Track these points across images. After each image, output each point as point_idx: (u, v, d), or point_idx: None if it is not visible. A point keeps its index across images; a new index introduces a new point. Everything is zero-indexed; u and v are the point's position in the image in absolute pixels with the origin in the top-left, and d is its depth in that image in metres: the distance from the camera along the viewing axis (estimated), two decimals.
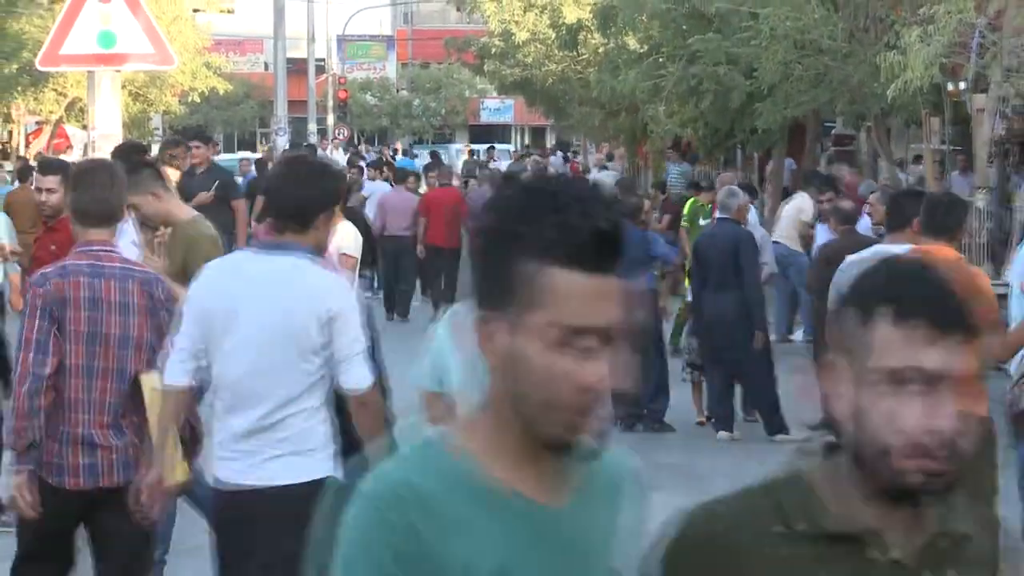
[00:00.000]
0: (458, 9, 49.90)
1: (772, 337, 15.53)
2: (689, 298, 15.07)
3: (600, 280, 2.46)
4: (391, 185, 25.66)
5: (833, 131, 31.43)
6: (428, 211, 23.01)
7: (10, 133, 40.74)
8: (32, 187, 14.14)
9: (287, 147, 35.19)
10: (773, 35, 20.44)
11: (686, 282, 15.70)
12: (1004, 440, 10.11)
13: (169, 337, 6.26)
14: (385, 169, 28.48)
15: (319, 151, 37.80)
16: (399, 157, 49.57)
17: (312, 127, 50.32)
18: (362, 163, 33.02)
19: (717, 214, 15.07)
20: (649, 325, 12.92)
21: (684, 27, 24.62)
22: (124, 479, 6.44)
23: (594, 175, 31.19)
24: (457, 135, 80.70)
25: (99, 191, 6.71)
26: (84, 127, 20.97)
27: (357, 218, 17.06)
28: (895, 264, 2.54)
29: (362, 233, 12.85)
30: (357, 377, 5.83)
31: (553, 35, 38.64)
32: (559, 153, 57.16)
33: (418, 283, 23.84)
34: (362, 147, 58.10)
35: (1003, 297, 9.54)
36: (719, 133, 28.44)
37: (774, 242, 17.72)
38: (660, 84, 24.86)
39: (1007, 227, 21.51)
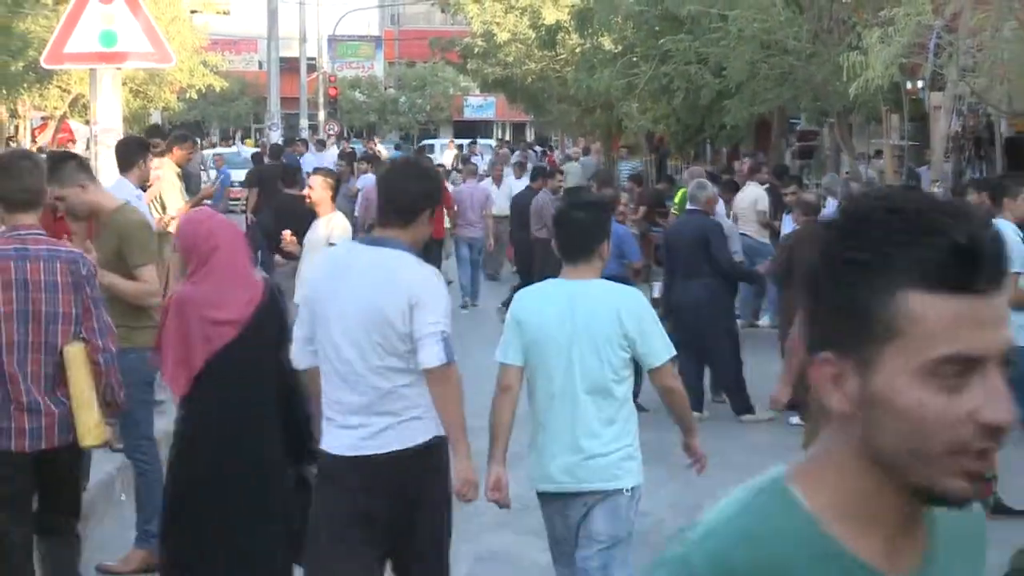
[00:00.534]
0: (442, 11, 49.77)
1: (739, 322, 15.59)
2: (656, 294, 15.10)
3: (987, 301, 1.98)
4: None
5: (798, 127, 31.46)
6: None
7: (16, 128, 40.58)
8: None
9: (280, 141, 35.20)
10: (741, 36, 20.47)
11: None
12: None
13: (96, 311, 6.64)
14: (367, 164, 28.41)
15: (310, 146, 37.78)
16: (377, 149, 49.43)
17: (304, 123, 50.24)
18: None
19: (687, 205, 15.09)
20: None
21: (656, 28, 24.63)
22: (63, 441, 6.62)
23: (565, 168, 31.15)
24: (442, 131, 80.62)
25: (25, 180, 6.80)
26: (87, 122, 20.90)
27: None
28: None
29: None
30: (430, 355, 5.94)
31: (533, 36, 38.62)
32: (537, 148, 57.12)
33: None
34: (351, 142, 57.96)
35: None
36: (690, 129, 28.49)
37: (741, 234, 17.74)
38: (634, 82, 24.88)
39: None
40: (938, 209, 1.99)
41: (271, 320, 6.89)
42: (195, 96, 46.42)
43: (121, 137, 13.71)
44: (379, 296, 5.96)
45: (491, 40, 41.40)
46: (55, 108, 38.91)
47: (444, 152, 52.30)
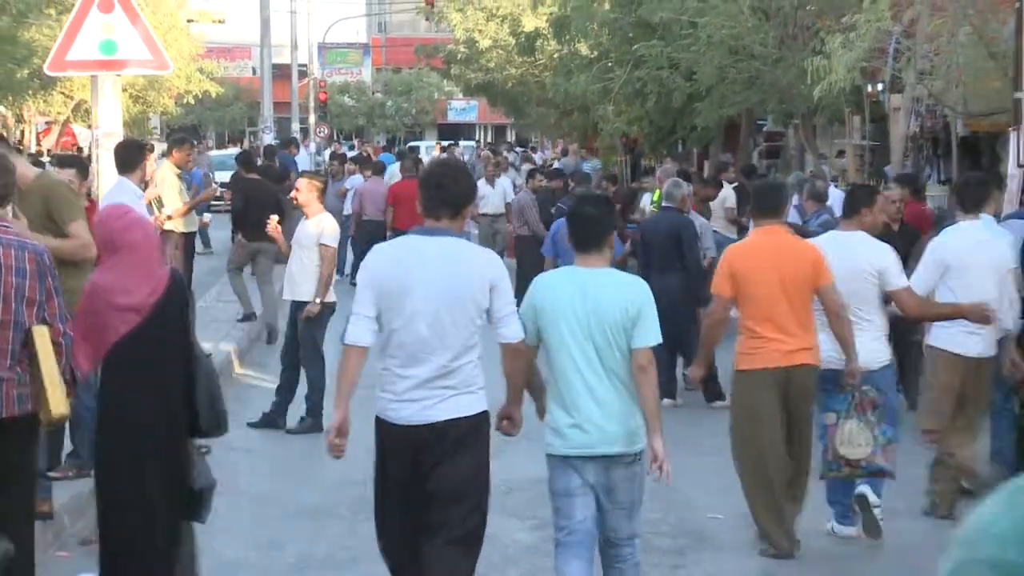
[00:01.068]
0: (427, 19, 49.69)
1: None
2: None
3: None
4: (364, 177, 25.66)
5: (765, 128, 31.48)
6: (396, 200, 23.08)
7: (22, 132, 40.48)
8: None
9: (274, 142, 35.14)
10: (710, 42, 20.46)
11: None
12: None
13: (57, 299, 6.85)
14: (353, 163, 28.42)
15: (302, 148, 37.71)
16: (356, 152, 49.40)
17: (295, 126, 50.20)
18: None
19: (663, 203, 15.12)
20: None
21: (630, 35, 24.61)
22: (21, 411, 6.75)
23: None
24: (427, 133, 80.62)
25: None
26: (89, 126, 20.86)
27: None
28: None
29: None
30: (512, 331, 6.49)
31: (513, 42, 38.59)
32: (518, 149, 57.07)
33: None
34: (341, 145, 57.87)
35: None
36: (662, 130, 28.48)
37: (713, 231, 17.73)
38: (609, 86, 24.86)
39: None
40: None
41: (175, 308, 7.07)
42: (192, 101, 46.30)
43: (121, 140, 13.70)
44: (463, 278, 6.36)
45: (473, 47, 41.39)
46: (59, 113, 38.85)
47: (431, 154, 52.27)
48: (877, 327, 9.19)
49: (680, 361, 14.29)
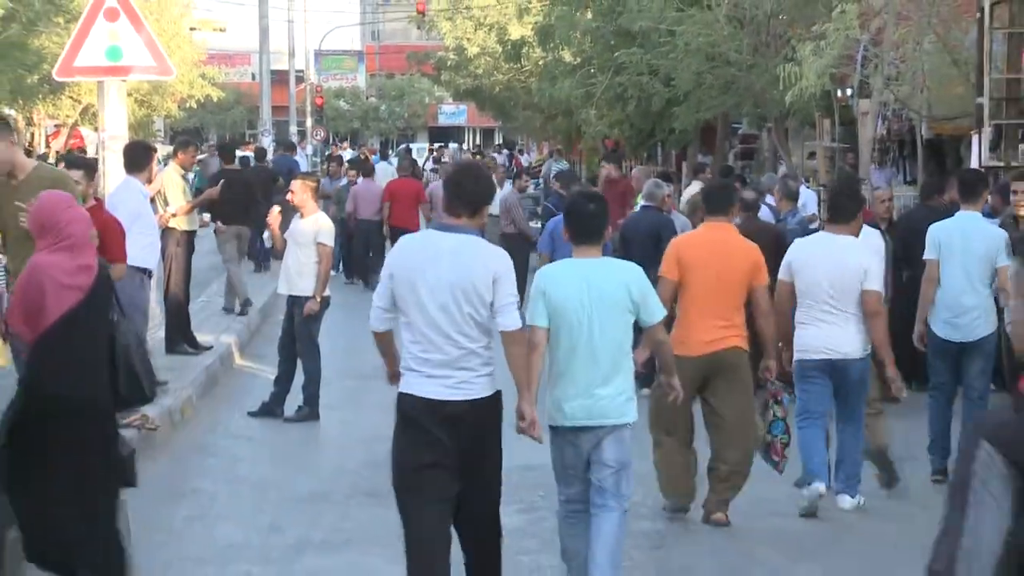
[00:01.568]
0: (419, 28, 49.57)
1: None
2: None
3: None
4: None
5: (740, 131, 31.47)
6: (392, 198, 23.14)
7: (32, 135, 40.37)
8: None
9: (273, 145, 35.11)
10: (688, 49, 20.45)
11: None
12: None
13: None
14: (348, 166, 28.41)
15: (299, 150, 37.65)
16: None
17: (293, 129, 50.11)
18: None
19: (642, 202, 15.12)
20: None
21: (612, 42, 24.59)
22: None
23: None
24: (418, 136, 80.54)
25: None
26: (96, 129, 20.83)
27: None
28: None
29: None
30: (510, 320, 6.70)
31: (500, 50, 38.53)
32: (504, 151, 57.04)
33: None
34: (341, 147, 57.79)
35: None
36: (642, 133, 28.44)
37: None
38: (591, 91, 24.85)
39: None
40: None
41: (105, 290, 7.33)
42: (194, 105, 46.15)
43: (129, 142, 13.70)
44: (470, 271, 6.62)
45: (462, 54, 41.35)
46: (67, 116, 38.75)
47: (422, 155, 52.27)
48: (860, 320, 9.35)
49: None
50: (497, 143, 72.67)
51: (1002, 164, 15.89)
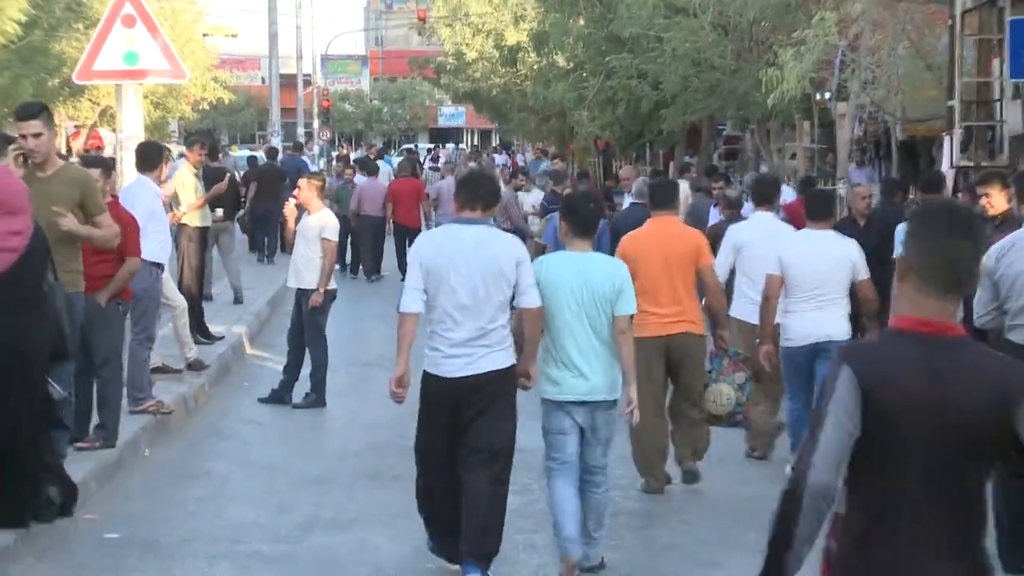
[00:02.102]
0: (420, 34, 49.53)
1: None
2: None
3: None
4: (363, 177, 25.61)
5: (724, 132, 31.49)
6: (395, 197, 23.11)
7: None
8: None
9: (277, 146, 35.10)
10: (675, 55, 20.47)
11: None
12: None
13: None
14: (355, 166, 28.40)
15: (306, 151, 37.63)
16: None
17: (300, 130, 50.03)
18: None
19: (631, 199, 15.12)
20: None
21: (603, 48, 24.60)
22: None
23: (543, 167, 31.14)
24: (419, 137, 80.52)
25: None
26: (114, 130, 20.80)
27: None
28: None
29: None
30: (533, 299, 7.39)
31: (497, 55, 38.56)
32: (504, 152, 57.02)
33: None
34: (345, 148, 57.77)
35: None
36: (631, 134, 28.47)
37: None
38: (584, 94, 24.89)
39: None
40: None
41: (39, 254, 7.73)
42: (207, 107, 46.09)
43: (142, 141, 13.66)
44: (496, 256, 7.24)
45: (461, 59, 41.35)
46: (87, 118, 38.69)
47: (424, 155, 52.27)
48: (845, 307, 9.64)
49: None
50: (495, 144, 72.67)
51: (972, 164, 15.91)
